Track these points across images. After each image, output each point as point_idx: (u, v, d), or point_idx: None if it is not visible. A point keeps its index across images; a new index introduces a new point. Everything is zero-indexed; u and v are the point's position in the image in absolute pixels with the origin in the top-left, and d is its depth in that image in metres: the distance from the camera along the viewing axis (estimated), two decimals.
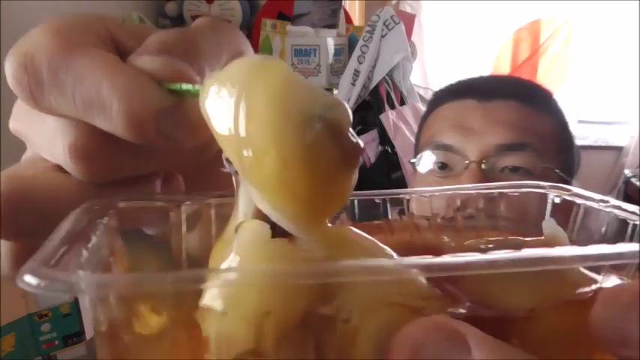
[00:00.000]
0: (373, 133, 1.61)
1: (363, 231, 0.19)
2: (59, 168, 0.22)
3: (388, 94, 1.63)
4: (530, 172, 0.66)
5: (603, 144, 2.35)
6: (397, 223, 0.26)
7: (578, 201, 0.24)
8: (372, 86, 1.62)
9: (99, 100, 0.19)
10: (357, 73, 1.60)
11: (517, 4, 2.31)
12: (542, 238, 0.23)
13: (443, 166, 0.70)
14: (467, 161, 0.67)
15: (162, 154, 0.22)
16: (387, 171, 1.59)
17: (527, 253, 0.16)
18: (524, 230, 0.24)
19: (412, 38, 1.77)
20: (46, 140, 0.22)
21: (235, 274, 0.16)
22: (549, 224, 0.23)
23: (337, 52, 1.72)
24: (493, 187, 0.26)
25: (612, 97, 2.33)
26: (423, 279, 0.17)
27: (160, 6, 1.83)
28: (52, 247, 0.16)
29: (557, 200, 0.25)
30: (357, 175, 0.18)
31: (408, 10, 2.07)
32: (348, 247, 0.18)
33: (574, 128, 0.77)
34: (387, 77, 1.63)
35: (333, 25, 1.76)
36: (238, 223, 0.19)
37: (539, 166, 0.66)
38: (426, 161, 0.72)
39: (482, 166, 0.66)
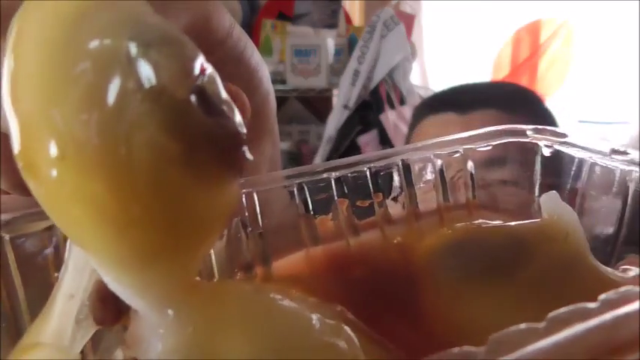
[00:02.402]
0: (373, 133, 1.61)
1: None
2: None
3: (388, 95, 1.63)
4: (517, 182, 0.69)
5: None
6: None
7: (577, 153, 0.17)
8: (372, 86, 1.62)
9: None
10: (357, 73, 1.60)
11: (517, 4, 2.31)
12: (540, 221, 0.16)
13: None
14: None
15: None
16: None
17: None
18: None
19: (412, 38, 1.77)
20: None
21: None
22: (550, 200, 0.17)
23: (337, 53, 1.73)
24: (448, 144, 0.18)
25: (612, 97, 2.33)
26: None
27: None
28: None
29: (548, 152, 0.18)
30: (238, 183, 0.10)
31: (408, 10, 2.06)
32: (231, 322, 0.10)
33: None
34: (387, 77, 1.63)
35: (333, 26, 1.77)
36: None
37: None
38: None
39: None
